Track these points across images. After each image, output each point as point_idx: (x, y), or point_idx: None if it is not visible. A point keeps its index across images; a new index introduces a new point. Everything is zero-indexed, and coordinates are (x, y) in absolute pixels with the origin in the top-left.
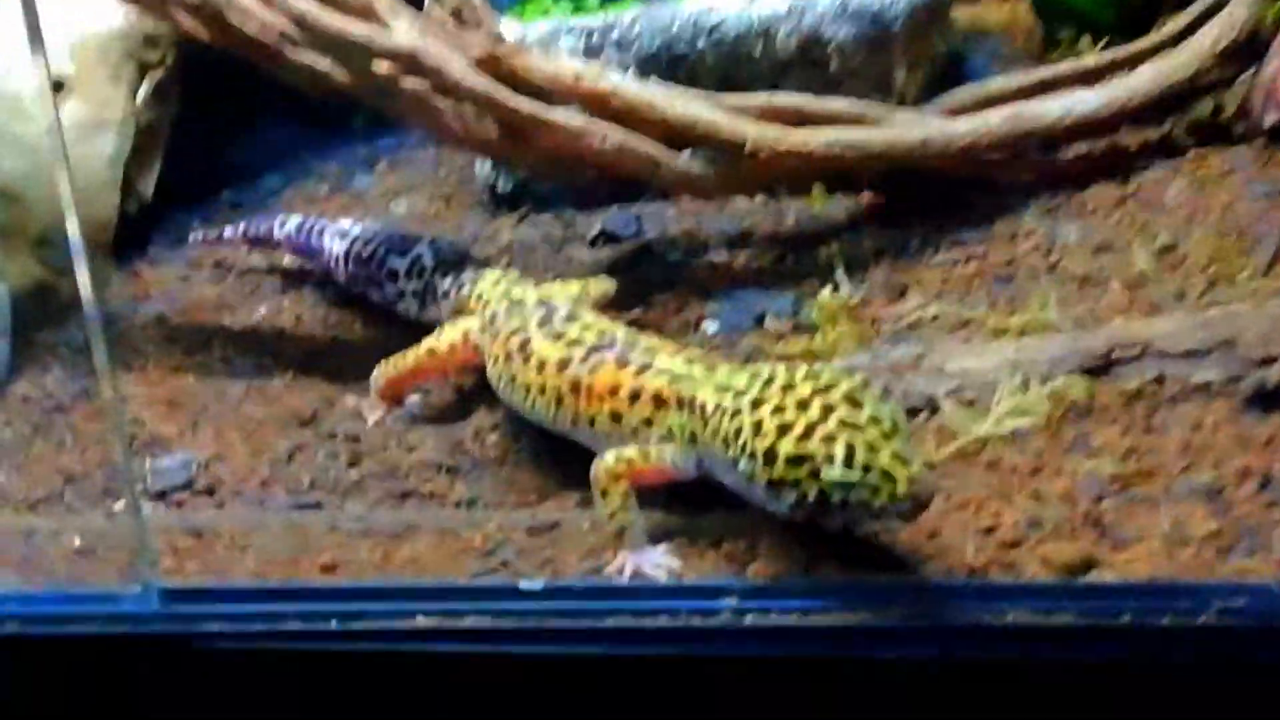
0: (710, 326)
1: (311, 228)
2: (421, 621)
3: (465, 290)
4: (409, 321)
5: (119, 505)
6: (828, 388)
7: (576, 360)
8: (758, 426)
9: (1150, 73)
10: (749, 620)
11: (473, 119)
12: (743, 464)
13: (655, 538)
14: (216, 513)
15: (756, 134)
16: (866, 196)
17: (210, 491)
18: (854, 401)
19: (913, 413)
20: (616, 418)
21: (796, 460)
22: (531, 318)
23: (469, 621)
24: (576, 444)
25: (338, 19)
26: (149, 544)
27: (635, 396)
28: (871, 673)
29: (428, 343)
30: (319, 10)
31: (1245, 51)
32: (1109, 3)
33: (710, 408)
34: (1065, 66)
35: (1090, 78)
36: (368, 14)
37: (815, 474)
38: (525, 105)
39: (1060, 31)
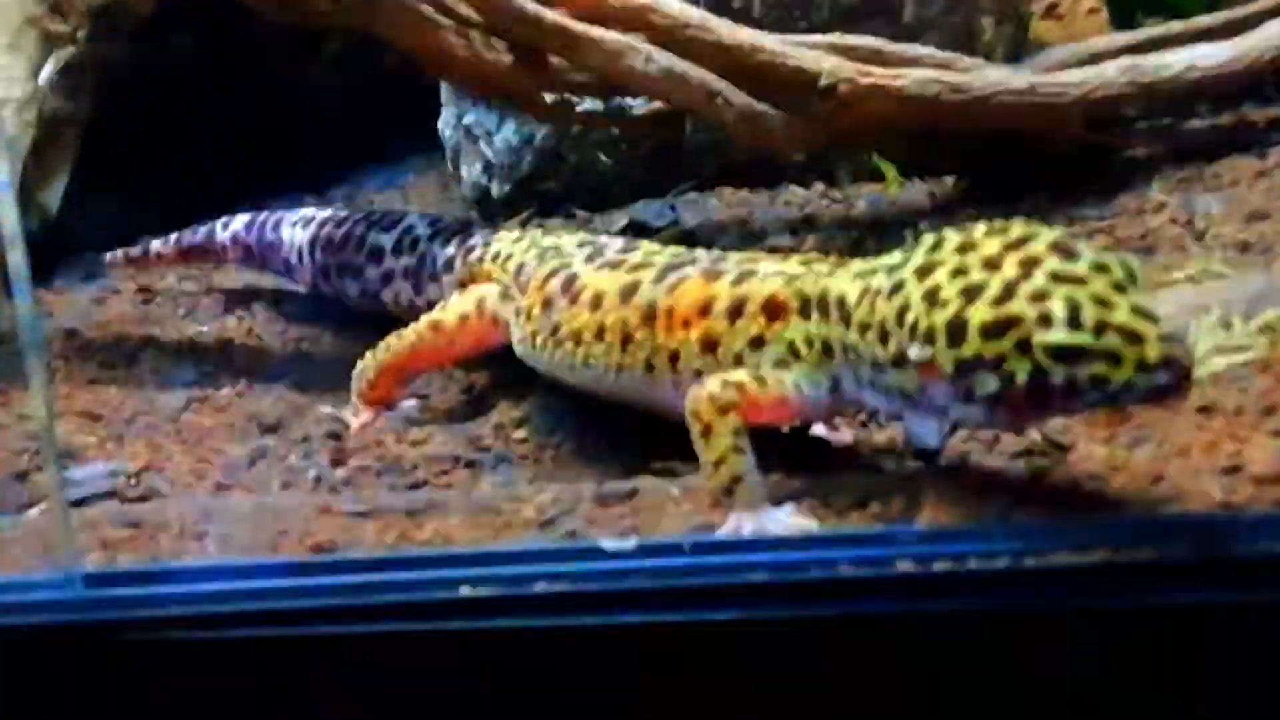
0: None
1: (265, 221)
2: (467, 593)
3: (477, 254)
4: (398, 318)
5: (32, 513)
6: (1023, 240)
7: (648, 283)
8: (932, 296)
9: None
10: (941, 567)
11: (480, 43)
12: (914, 352)
13: (776, 500)
14: (160, 503)
15: (833, 66)
16: (951, 181)
17: (145, 500)
18: (1066, 251)
19: None
20: (710, 345)
21: (997, 329)
22: (576, 256)
23: (539, 588)
24: (645, 421)
25: None
26: (69, 524)
27: (737, 310)
28: (1132, 624)
29: (431, 316)
30: None
31: None
32: None
33: (853, 297)
34: (1177, 26)
35: (1207, 38)
36: None
37: (1025, 346)
38: (550, 16)
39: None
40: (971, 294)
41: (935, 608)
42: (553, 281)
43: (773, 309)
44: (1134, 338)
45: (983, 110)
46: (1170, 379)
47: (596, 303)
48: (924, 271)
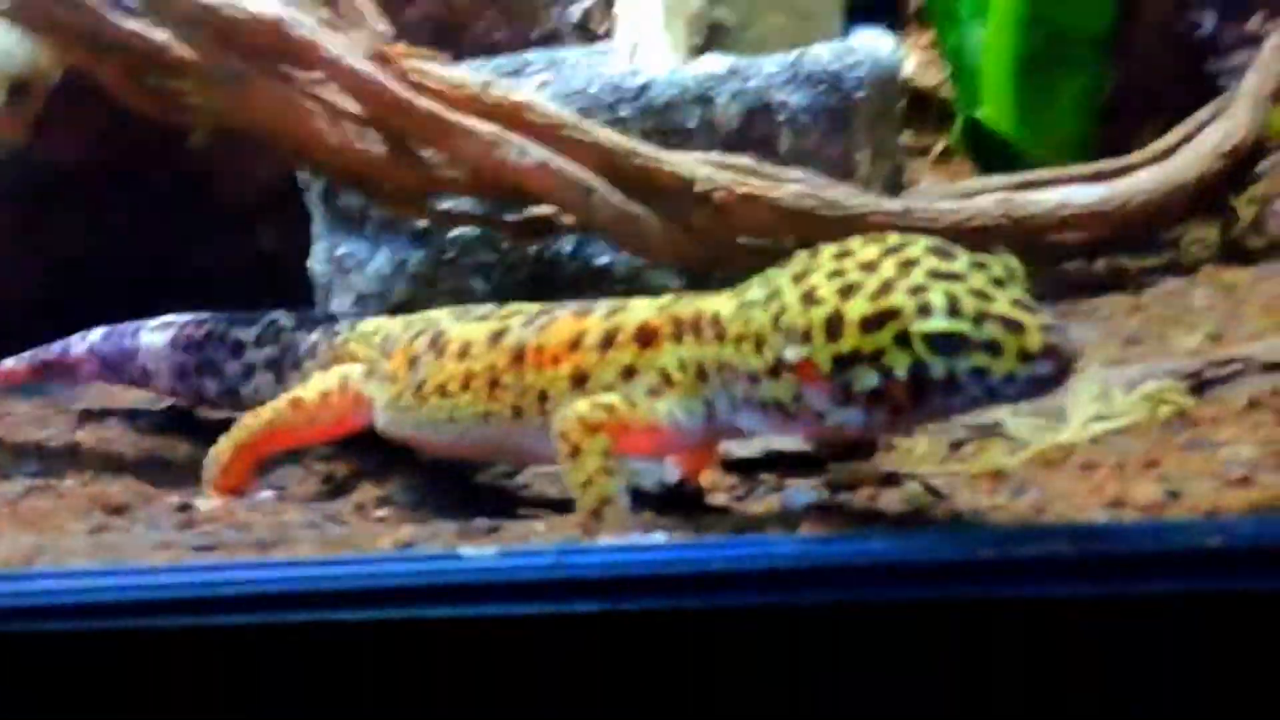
0: None
1: (123, 330)
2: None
3: (342, 336)
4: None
5: None
6: (900, 245)
7: (517, 327)
8: (809, 297)
9: (1151, 173)
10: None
11: (351, 133)
12: (791, 353)
13: (649, 529)
14: None
15: (710, 173)
16: None
17: None
18: (943, 253)
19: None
20: (581, 380)
21: (875, 321)
22: (445, 317)
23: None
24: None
25: None
26: None
27: (609, 341)
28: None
29: (291, 394)
30: None
31: (1249, 159)
32: (1079, 147)
33: (728, 312)
34: (1049, 172)
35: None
36: None
37: (904, 338)
38: (422, 103)
39: None
40: (849, 291)
41: (811, 600)
42: (419, 341)
43: (645, 336)
44: (1015, 327)
45: (857, 229)
46: (1052, 369)
47: (464, 352)
48: (800, 277)
